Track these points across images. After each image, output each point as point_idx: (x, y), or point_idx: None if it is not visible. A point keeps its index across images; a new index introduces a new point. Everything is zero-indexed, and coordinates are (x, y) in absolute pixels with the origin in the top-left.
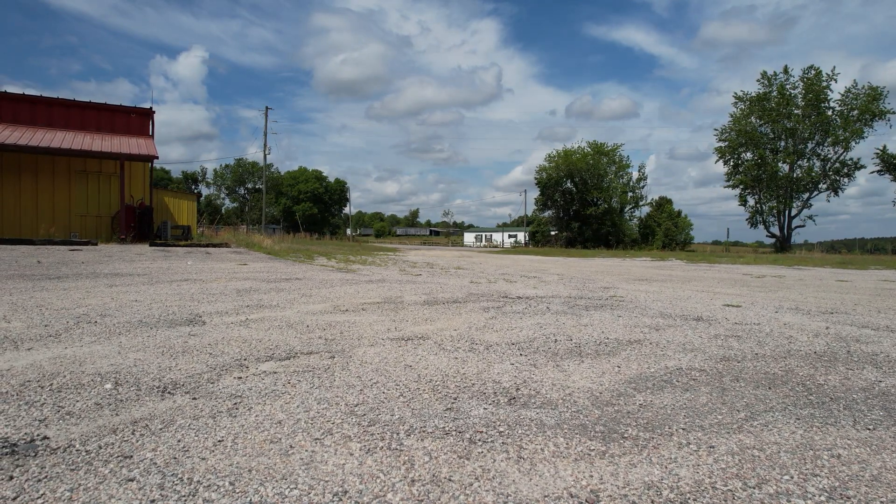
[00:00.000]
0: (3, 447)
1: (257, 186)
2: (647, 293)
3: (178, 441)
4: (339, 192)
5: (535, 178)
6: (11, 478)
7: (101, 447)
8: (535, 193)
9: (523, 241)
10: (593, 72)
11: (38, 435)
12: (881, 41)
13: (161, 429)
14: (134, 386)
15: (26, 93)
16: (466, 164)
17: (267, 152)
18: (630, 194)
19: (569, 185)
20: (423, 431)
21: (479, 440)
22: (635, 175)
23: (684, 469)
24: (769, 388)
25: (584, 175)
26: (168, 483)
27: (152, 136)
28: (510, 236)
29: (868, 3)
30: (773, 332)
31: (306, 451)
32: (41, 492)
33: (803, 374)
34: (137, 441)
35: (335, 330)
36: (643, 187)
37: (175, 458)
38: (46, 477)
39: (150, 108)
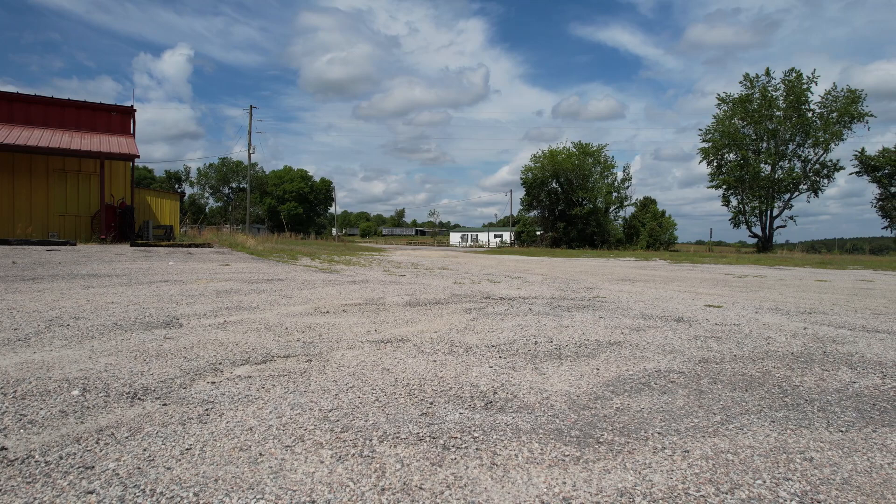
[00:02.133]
0: None
1: (242, 186)
2: (629, 294)
3: (144, 450)
4: (324, 192)
5: (521, 179)
6: None
7: (62, 458)
8: (520, 193)
9: (509, 241)
10: (579, 72)
11: None
12: (861, 45)
13: (127, 437)
14: (103, 392)
15: (4, 90)
16: (454, 164)
17: (251, 151)
18: (615, 194)
19: (554, 185)
20: (397, 438)
21: (453, 446)
22: (620, 175)
23: (658, 475)
24: (746, 390)
25: (570, 175)
26: (129, 495)
27: (134, 134)
28: (496, 236)
29: (849, 8)
30: (752, 333)
31: (276, 458)
32: None
33: (780, 375)
34: (101, 451)
35: (314, 332)
36: (628, 187)
37: (139, 467)
38: (0, 491)
39: (132, 106)
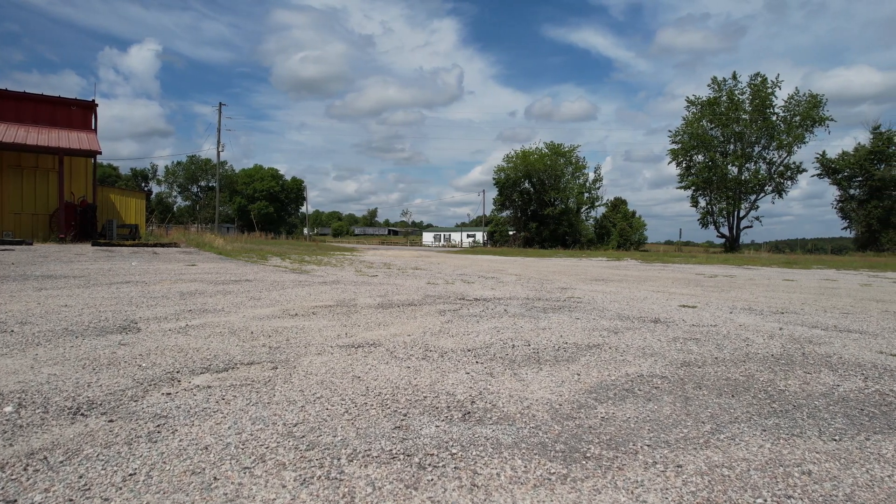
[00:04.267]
0: None
1: (211, 184)
2: (604, 294)
3: (80, 477)
4: (296, 191)
5: (494, 179)
6: None
7: None
8: (493, 193)
9: (482, 241)
10: (552, 73)
11: None
12: (822, 52)
13: (62, 462)
14: (41, 408)
15: None
16: (427, 163)
17: (221, 149)
18: (587, 195)
19: (527, 185)
20: (368, 456)
21: (430, 465)
22: (592, 176)
23: (652, 494)
24: (732, 395)
25: (542, 175)
26: None
27: (95, 130)
28: (469, 236)
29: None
30: (730, 335)
31: (232, 483)
32: None
33: (764, 379)
34: (28, 480)
35: (281, 336)
36: (599, 188)
37: (71, 500)
38: None
39: (93, 100)
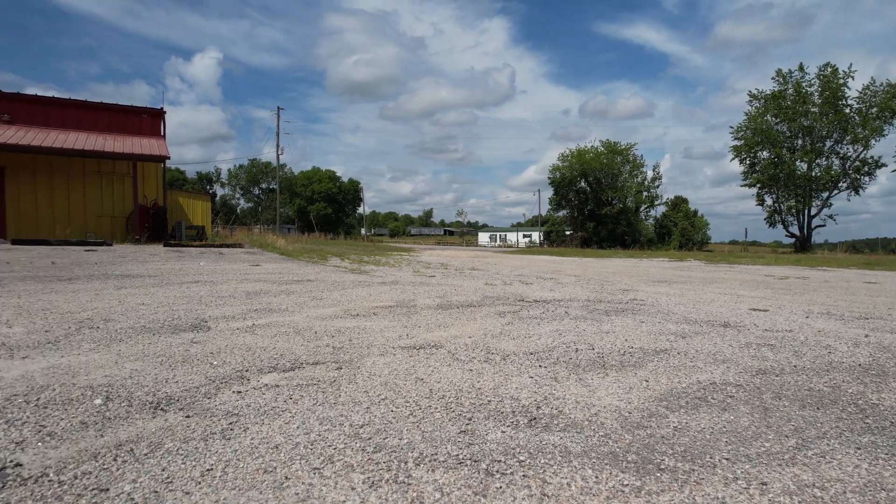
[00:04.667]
0: None
1: (271, 187)
2: (668, 296)
3: (163, 470)
4: (352, 192)
5: (549, 178)
6: None
7: (76, 477)
8: (549, 193)
9: (538, 241)
10: (605, 70)
11: (10, 461)
12: None
13: (146, 454)
14: (126, 401)
15: (40, 94)
16: (480, 163)
17: (280, 152)
18: (645, 194)
19: (583, 184)
20: (434, 460)
21: (497, 472)
22: (650, 174)
23: None
24: (817, 408)
25: (599, 174)
26: None
27: (164, 136)
28: (525, 236)
29: (885, 1)
30: (808, 341)
31: (303, 483)
32: None
33: (853, 391)
34: (118, 470)
35: (344, 337)
36: (658, 186)
37: (156, 491)
38: None
39: (162, 108)
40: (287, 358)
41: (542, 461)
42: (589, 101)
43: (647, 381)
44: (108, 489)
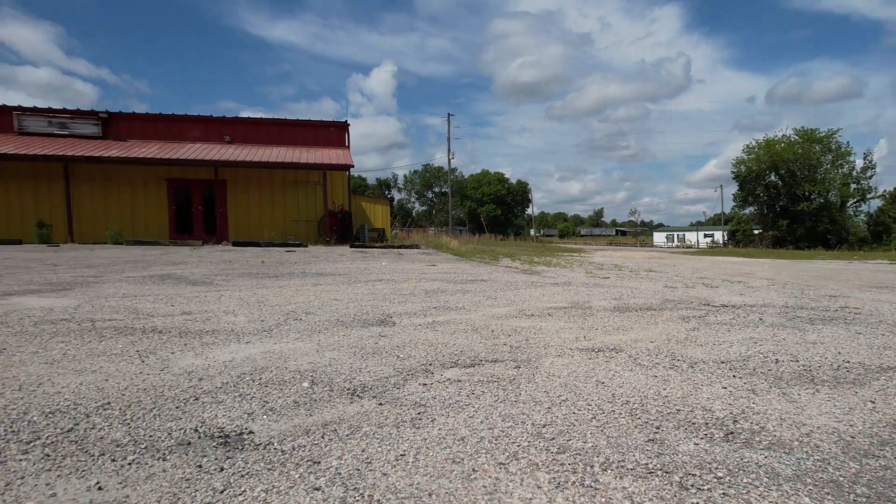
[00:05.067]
0: (219, 437)
1: (444, 190)
2: (892, 305)
3: (363, 451)
4: (521, 194)
5: (733, 173)
6: (222, 469)
7: (294, 448)
8: (732, 189)
9: (721, 241)
10: (798, 49)
11: (245, 429)
12: None
13: (348, 435)
14: (327, 386)
15: (250, 116)
16: (654, 159)
17: (451, 157)
18: (853, 186)
19: (773, 178)
20: (622, 467)
21: (692, 486)
22: (859, 164)
23: None
24: None
25: (793, 166)
26: (350, 498)
27: (348, 147)
28: (706, 235)
29: None
30: None
31: (490, 477)
32: (242, 488)
33: None
34: (326, 446)
35: (520, 336)
36: (871, 177)
37: (358, 469)
38: (248, 473)
39: (346, 121)
40: (467, 354)
41: (745, 480)
42: (778, 85)
43: (874, 403)
44: (319, 462)
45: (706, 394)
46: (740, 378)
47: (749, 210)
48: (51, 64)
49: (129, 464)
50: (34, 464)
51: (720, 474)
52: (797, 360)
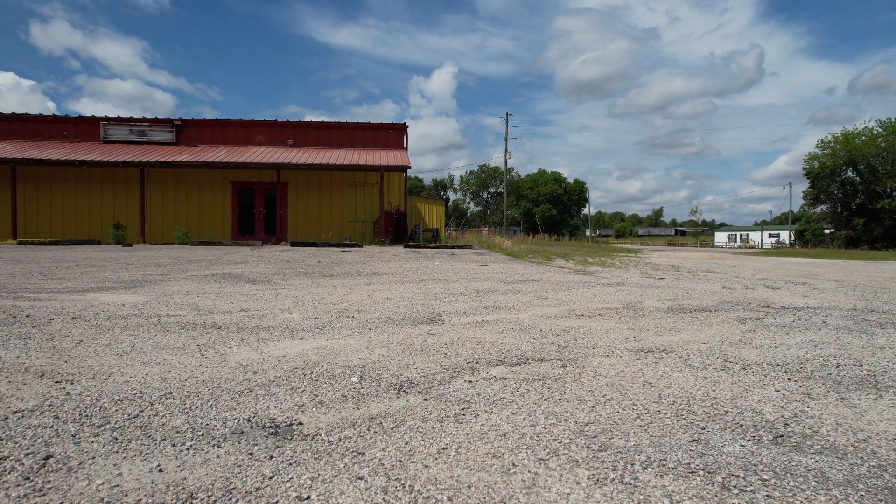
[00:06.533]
0: (270, 427)
1: (499, 190)
2: None
3: (406, 443)
4: (577, 193)
5: (804, 169)
6: (271, 457)
7: (340, 440)
8: (803, 186)
9: (788, 241)
10: (888, 34)
11: (295, 420)
12: None
13: (392, 428)
14: (375, 381)
15: (313, 120)
16: (719, 157)
17: (508, 157)
18: None
19: (850, 174)
20: (663, 466)
21: (735, 487)
22: None
23: None
24: None
25: (873, 161)
26: (391, 488)
27: (406, 148)
28: (771, 235)
29: None
30: None
31: (529, 472)
32: (289, 476)
33: None
34: (370, 438)
35: (569, 336)
36: None
37: (401, 461)
38: (296, 462)
39: (405, 123)
40: (514, 353)
41: (791, 484)
42: (863, 74)
43: None
44: (363, 453)
45: (757, 396)
46: (796, 381)
47: (820, 208)
48: (136, 76)
49: (187, 449)
50: (104, 445)
51: (765, 476)
52: (861, 365)
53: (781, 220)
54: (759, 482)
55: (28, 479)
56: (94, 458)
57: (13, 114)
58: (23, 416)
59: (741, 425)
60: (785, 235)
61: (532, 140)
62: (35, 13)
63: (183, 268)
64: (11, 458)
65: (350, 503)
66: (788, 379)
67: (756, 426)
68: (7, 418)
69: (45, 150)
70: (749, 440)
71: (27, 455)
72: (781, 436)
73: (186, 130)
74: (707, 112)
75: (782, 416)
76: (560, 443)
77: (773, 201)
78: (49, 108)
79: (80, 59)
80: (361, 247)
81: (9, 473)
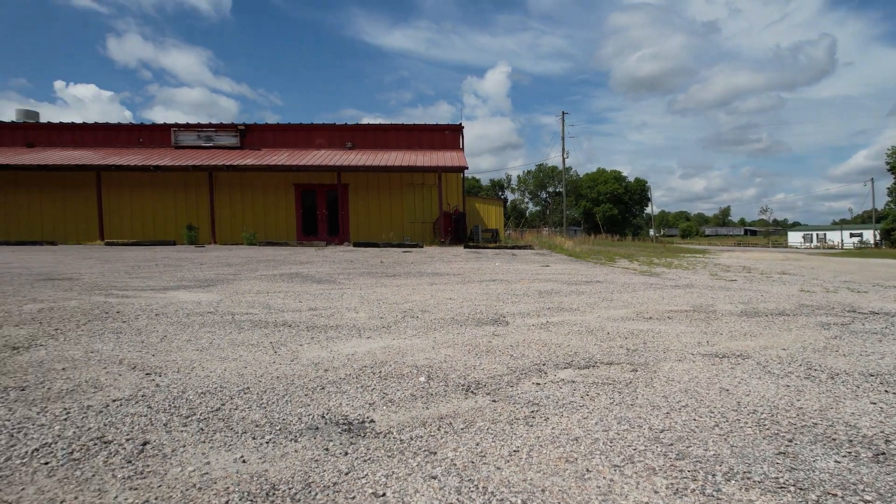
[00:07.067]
0: (343, 424)
1: (558, 190)
2: None
3: (477, 444)
4: (639, 192)
5: (888, 164)
6: (346, 453)
7: (412, 438)
8: (887, 182)
9: (872, 241)
10: None
11: (367, 417)
12: None
13: (462, 429)
14: (442, 381)
15: (371, 122)
16: (789, 153)
17: (566, 156)
18: None
19: None
20: (748, 479)
21: None
22: None
23: None
24: None
25: None
26: (465, 488)
27: (462, 149)
28: (852, 235)
29: None
30: None
31: (604, 478)
32: (364, 472)
33: None
34: (441, 438)
35: (637, 339)
36: None
37: (472, 462)
38: (370, 459)
39: (460, 124)
40: (581, 356)
41: None
42: None
43: None
44: (435, 452)
45: (850, 408)
46: (894, 394)
47: None
48: (202, 84)
49: (267, 442)
50: (192, 435)
51: (868, 497)
52: None
53: (864, 219)
54: (862, 503)
55: (130, 462)
56: (184, 446)
57: (96, 123)
58: (121, 405)
59: (833, 439)
60: (868, 235)
61: (590, 138)
62: (111, 28)
63: (252, 267)
64: (115, 442)
65: (425, 502)
66: (885, 391)
67: (851, 441)
68: (108, 406)
69: (124, 157)
70: (844, 456)
71: (128, 440)
72: (883, 453)
73: (250, 135)
74: (775, 106)
75: (882, 432)
76: (635, 449)
77: (853, 199)
78: (126, 116)
79: (152, 69)
80: (422, 247)
81: (114, 456)
